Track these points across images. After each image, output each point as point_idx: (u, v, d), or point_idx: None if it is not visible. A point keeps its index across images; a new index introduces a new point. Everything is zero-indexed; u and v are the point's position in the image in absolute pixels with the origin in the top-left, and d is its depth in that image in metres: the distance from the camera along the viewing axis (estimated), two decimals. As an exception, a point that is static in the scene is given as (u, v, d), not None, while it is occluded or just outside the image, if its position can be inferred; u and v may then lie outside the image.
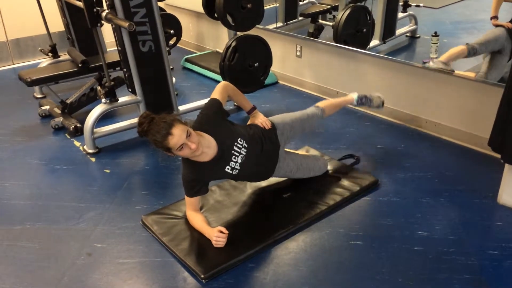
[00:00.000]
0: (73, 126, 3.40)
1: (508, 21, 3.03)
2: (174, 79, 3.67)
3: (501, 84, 2.71)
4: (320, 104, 2.73)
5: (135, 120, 3.26)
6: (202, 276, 2.05)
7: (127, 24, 2.74)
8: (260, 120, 2.46)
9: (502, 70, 3.02)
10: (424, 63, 3.32)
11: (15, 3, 4.80)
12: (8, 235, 2.40)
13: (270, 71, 3.66)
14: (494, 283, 1.98)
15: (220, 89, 2.35)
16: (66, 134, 3.46)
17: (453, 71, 3.05)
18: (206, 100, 2.34)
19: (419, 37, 4.17)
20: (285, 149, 2.57)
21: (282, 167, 2.50)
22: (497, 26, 3.05)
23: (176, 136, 2.01)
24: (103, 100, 3.16)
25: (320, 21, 4.31)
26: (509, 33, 3.00)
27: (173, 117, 2.08)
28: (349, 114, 3.60)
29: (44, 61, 4.16)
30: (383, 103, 2.92)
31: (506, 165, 2.40)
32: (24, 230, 2.44)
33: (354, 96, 2.86)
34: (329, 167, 2.77)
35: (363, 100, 2.87)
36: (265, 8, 3.38)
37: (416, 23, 4.18)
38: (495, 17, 3.06)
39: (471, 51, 3.03)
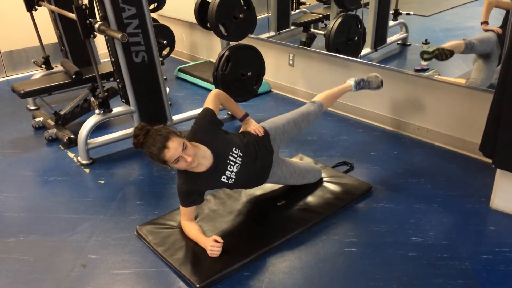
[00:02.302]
0: (66, 137, 3.40)
1: (498, 26, 3.07)
2: (167, 89, 3.69)
3: (491, 90, 2.74)
4: (317, 98, 2.71)
5: (129, 131, 3.28)
6: (198, 285, 2.04)
7: (120, 35, 2.76)
8: (253, 127, 2.46)
9: (492, 76, 3.06)
10: (416, 70, 3.36)
11: (8, 15, 4.81)
12: (2, 248, 2.39)
13: (263, 80, 3.68)
14: (488, 288, 1.99)
15: (213, 98, 2.36)
16: (60, 146, 3.45)
17: (453, 52, 3.03)
18: (200, 110, 2.35)
19: (410, 44, 4.21)
20: (280, 157, 2.58)
21: (276, 172, 2.50)
22: (487, 31, 3.09)
23: (172, 149, 2.02)
24: (97, 111, 3.16)
25: (312, 30, 4.35)
26: (499, 38, 3.04)
27: (169, 130, 2.08)
28: (342, 122, 3.63)
29: (38, 73, 4.16)
30: (382, 83, 2.90)
31: (498, 170, 2.42)
32: (17, 242, 2.43)
33: (351, 82, 2.84)
34: (323, 175, 2.79)
35: (362, 84, 2.85)
36: (257, 17, 3.40)
37: (407, 31, 4.22)
38: (485, 22, 3.10)
39: (468, 46, 3.04)
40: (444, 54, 3.05)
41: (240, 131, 2.52)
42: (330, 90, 2.80)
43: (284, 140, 2.56)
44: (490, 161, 2.42)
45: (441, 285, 2.01)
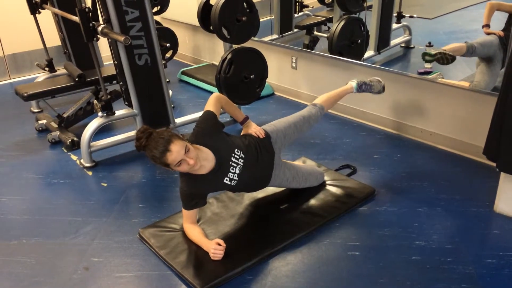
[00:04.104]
0: (69, 140, 3.40)
1: (501, 29, 3.06)
2: (170, 92, 3.69)
3: (494, 93, 2.73)
4: (318, 100, 2.71)
5: (132, 133, 3.28)
6: (200, 289, 2.04)
7: (123, 38, 2.76)
8: (254, 129, 2.47)
9: (496, 79, 3.05)
10: (419, 73, 3.35)
11: (11, 18, 4.83)
12: (4, 250, 2.39)
13: (266, 83, 3.67)
14: (492, 292, 1.98)
15: (213, 101, 2.36)
16: (63, 148, 3.46)
17: (454, 57, 3.02)
18: (202, 113, 2.35)
19: (413, 47, 4.20)
20: (282, 160, 2.58)
21: (278, 175, 2.50)
22: (489, 34, 3.08)
23: (174, 152, 2.02)
24: (100, 113, 3.17)
25: (315, 32, 4.35)
26: (501, 42, 3.03)
27: (171, 133, 2.08)
28: (345, 125, 3.62)
29: (41, 76, 4.18)
30: (383, 88, 2.89)
31: (502, 174, 2.41)
32: (20, 245, 2.43)
33: (353, 84, 2.83)
34: (325, 178, 2.78)
35: (363, 87, 2.83)
36: (260, 20, 3.40)
37: (410, 34, 4.21)
38: (487, 26, 3.09)
39: (470, 49, 3.03)
40: (445, 59, 3.04)
41: (241, 134, 2.52)
42: (331, 92, 2.79)
43: (285, 143, 2.56)
44: (494, 164, 2.40)
45: (445, 290, 2.00)
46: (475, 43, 3.05)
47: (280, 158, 2.54)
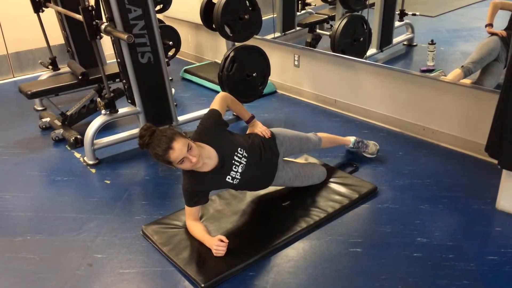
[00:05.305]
0: (73, 138, 3.42)
1: (503, 29, 3.06)
2: (173, 90, 3.70)
3: (497, 91, 2.72)
4: (319, 134, 2.81)
5: (135, 131, 3.30)
6: (203, 285, 2.05)
7: (126, 36, 2.77)
8: (260, 129, 2.48)
9: (499, 77, 3.04)
10: (422, 71, 3.35)
11: (15, 17, 4.85)
12: (9, 247, 2.41)
13: (269, 81, 3.68)
14: (494, 289, 1.99)
15: (219, 100, 2.38)
16: (67, 146, 3.48)
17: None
18: (205, 111, 2.36)
19: (416, 45, 4.19)
20: (284, 158, 2.59)
21: (281, 175, 2.51)
22: (491, 34, 3.08)
23: (177, 150, 2.03)
24: (103, 111, 3.18)
25: (318, 30, 4.35)
26: (503, 41, 3.02)
27: (174, 131, 2.09)
28: (348, 122, 3.62)
29: (44, 74, 4.19)
30: (377, 151, 3.01)
31: (504, 171, 2.41)
32: (24, 241, 2.45)
33: (351, 139, 2.99)
34: (328, 175, 2.78)
35: (359, 144, 3.00)
36: (262, 18, 3.41)
37: (413, 32, 4.21)
38: (490, 25, 3.09)
39: (467, 73, 3.08)
40: None
41: (246, 132, 2.53)
42: (331, 135, 2.96)
43: (288, 150, 2.58)
44: (496, 161, 2.41)
45: (446, 286, 2.00)
46: (470, 64, 3.08)
47: (283, 159, 2.55)
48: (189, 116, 3.56)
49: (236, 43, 3.43)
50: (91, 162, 3.19)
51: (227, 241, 2.18)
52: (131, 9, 2.94)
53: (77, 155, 3.34)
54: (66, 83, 3.64)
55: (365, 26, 3.87)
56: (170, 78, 3.96)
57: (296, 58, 4.11)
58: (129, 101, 3.31)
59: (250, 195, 2.67)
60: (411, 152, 3.13)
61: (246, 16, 3.22)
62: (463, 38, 4.06)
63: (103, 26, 2.90)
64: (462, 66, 3.08)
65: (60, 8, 3.71)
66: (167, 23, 4.80)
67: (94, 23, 2.92)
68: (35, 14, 3.91)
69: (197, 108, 3.81)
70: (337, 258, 2.21)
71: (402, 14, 4.19)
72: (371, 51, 3.95)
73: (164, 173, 3.02)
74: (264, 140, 2.44)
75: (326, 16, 4.50)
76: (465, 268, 2.09)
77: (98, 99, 3.19)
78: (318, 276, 2.11)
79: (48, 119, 3.76)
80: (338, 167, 2.94)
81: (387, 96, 3.41)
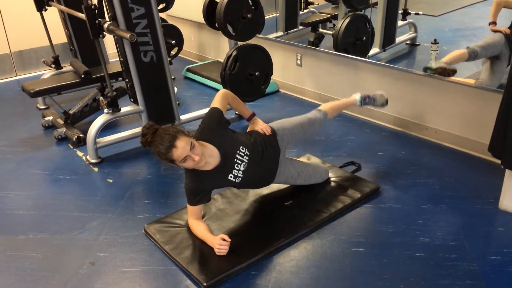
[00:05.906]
0: (76, 137, 3.42)
1: (507, 27, 3.05)
2: (175, 88, 3.70)
3: (500, 90, 2.72)
4: (323, 107, 2.74)
5: (137, 130, 3.30)
6: (205, 284, 2.05)
7: (128, 35, 2.77)
8: (260, 126, 2.48)
9: (502, 76, 3.03)
10: (425, 70, 3.34)
11: (18, 15, 4.86)
12: (11, 245, 2.41)
13: (271, 80, 3.68)
14: (496, 289, 1.98)
15: (220, 98, 2.37)
16: (69, 144, 3.48)
17: (455, 71, 3.04)
18: (207, 109, 2.36)
19: (419, 44, 4.18)
20: (287, 156, 2.59)
21: (283, 172, 2.51)
22: (495, 32, 3.07)
23: (180, 148, 2.03)
24: (106, 110, 3.19)
25: (320, 30, 4.34)
26: (507, 39, 3.01)
27: (177, 129, 2.09)
28: (350, 122, 3.62)
29: (47, 73, 4.20)
30: (387, 101, 2.94)
31: (507, 171, 2.41)
32: (27, 240, 2.45)
33: (357, 97, 2.89)
34: (330, 175, 2.78)
35: (367, 100, 2.89)
36: (265, 17, 3.41)
37: (416, 31, 4.20)
38: (493, 23, 3.08)
39: (472, 55, 3.03)
40: (447, 73, 3.06)
41: (247, 130, 2.53)
42: (336, 102, 2.86)
43: (291, 142, 2.57)
44: (499, 161, 2.40)
45: (449, 286, 2.00)
46: (477, 47, 3.04)
47: (285, 155, 2.55)
48: (192, 115, 3.56)
49: (238, 42, 3.43)
50: (93, 161, 3.20)
51: (229, 240, 2.18)
52: (134, 8, 2.94)
53: (80, 153, 3.35)
54: (68, 82, 3.65)
55: (368, 25, 3.86)
56: (173, 77, 3.96)
57: (298, 57, 4.11)
58: (132, 99, 3.31)
59: (253, 195, 2.67)
60: (414, 151, 3.13)
61: (248, 15, 3.22)
62: (466, 38, 4.05)
63: (106, 25, 2.90)
64: (468, 47, 3.05)
65: (63, 7, 3.71)
66: (170, 22, 4.81)
67: (97, 21, 2.92)
68: (38, 13, 3.92)
69: (199, 107, 3.80)
70: (339, 258, 2.21)
71: (405, 13, 4.18)
72: (374, 50, 3.94)
73: (167, 172, 3.02)
74: (266, 137, 2.44)
75: (329, 15, 4.49)
76: (467, 268, 2.09)
77: (101, 98, 3.20)
78: (320, 276, 2.11)
79: (50, 118, 3.76)
80: (341, 166, 2.93)
81: (390, 95, 3.39)
